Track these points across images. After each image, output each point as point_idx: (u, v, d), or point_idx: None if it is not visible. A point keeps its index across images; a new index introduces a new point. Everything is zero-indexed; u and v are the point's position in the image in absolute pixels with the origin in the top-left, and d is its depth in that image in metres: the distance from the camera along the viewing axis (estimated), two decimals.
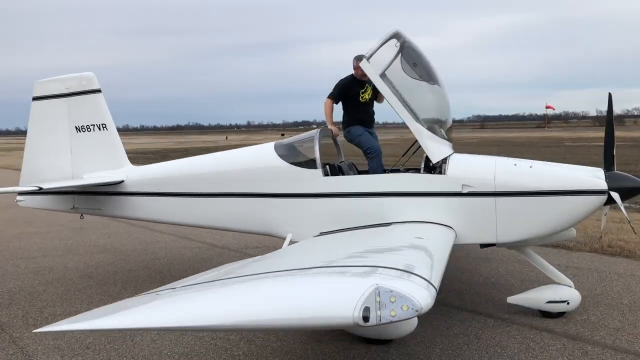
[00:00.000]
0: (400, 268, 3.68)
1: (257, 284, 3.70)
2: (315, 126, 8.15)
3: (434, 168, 6.51)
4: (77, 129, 7.97)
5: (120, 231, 12.33)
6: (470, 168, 6.33)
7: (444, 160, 6.41)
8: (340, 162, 7.56)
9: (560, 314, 6.47)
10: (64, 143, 7.95)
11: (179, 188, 7.27)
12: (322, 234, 6.50)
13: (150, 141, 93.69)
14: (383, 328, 5.52)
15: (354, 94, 7.42)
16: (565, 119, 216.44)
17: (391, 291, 3.09)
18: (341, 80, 7.46)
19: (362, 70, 6.63)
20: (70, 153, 7.95)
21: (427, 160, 6.57)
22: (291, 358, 5.59)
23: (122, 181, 7.61)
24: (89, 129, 7.95)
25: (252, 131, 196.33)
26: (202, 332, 6.04)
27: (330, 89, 7.49)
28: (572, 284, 6.68)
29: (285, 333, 6.09)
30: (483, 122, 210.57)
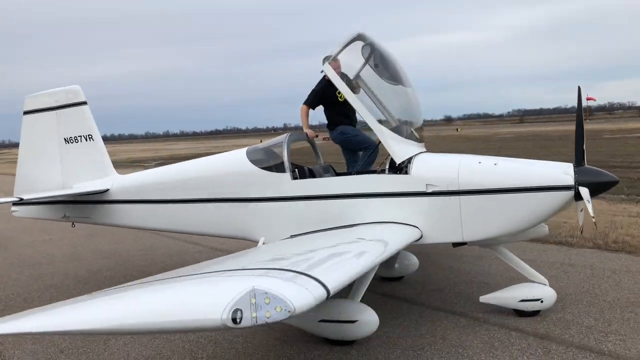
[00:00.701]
0: (293, 269, 3.73)
1: (150, 289, 3.79)
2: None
3: (401, 168, 6.49)
4: (66, 140, 8.25)
5: (129, 237, 12.61)
6: (434, 167, 6.29)
7: (410, 160, 6.39)
8: (319, 165, 7.61)
9: (534, 313, 6.37)
10: (54, 154, 8.25)
11: (158, 195, 7.46)
12: (292, 236, 6.58)
13: (188, 147, 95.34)
14: (344, 329, 5.58)
15: (330, 96, 7.45)
16: (610, 110, 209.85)
17: (266, 293, 3.14)
18: (316, 86, 7.52)
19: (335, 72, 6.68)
20: (60, 164, 8.24)
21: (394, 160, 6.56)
22: (254, 359, 5.67)
23: (107, 190, 7.85)
24: (76, 140, 8.22)
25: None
26: (129, 336, 6.22)
27: None
28: (546, 281, 6.56)
29: (252, 335, 6.19)
30: (523, 116, 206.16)
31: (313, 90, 7.46)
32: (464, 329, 6.16)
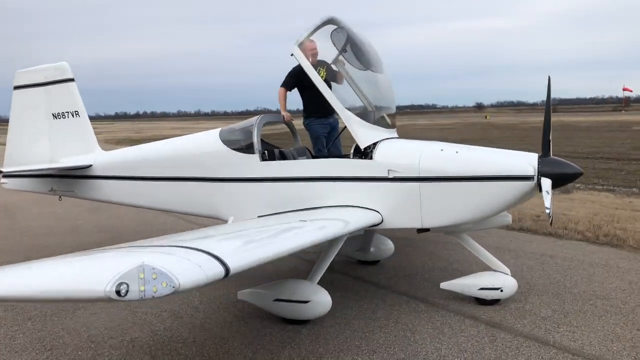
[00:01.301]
0: (197, 247, 3.86)
1: (51, 261, 3.94)
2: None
3: (367, 153, 6.54)
4: (54, 115, 8.50)
5: (130, 213, 12.85)
6: (397, 153, 6.33)
7: (375, 145, 6.43)
8: (294, 147, 7.70)
9: (494, 301, 6.39)
10: (42, 129, 8.51)
11: (136, 172, 7.66)
12: (260, 217, 6.70)
13: (215, 126, 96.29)
14: (297, 308, 5.73)
15: (305, 79, 7.47)
16: None
17: (153, 268, 3.27)
18: (293, 69, 7.53)
19: (310, 53, 6.73)
20: (48, 138, 8.50)
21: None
22: (208, 334, 5.83)
23: (90, 165, 8.08)
24: (64, 116, 8.47)
25: None
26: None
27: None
28: (508, 271, 6.57)
29: (212, 311, 6.38)
30: (557, 105, 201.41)
31: (290, 72, 7.49)
32: (419, 314, 6.23)
